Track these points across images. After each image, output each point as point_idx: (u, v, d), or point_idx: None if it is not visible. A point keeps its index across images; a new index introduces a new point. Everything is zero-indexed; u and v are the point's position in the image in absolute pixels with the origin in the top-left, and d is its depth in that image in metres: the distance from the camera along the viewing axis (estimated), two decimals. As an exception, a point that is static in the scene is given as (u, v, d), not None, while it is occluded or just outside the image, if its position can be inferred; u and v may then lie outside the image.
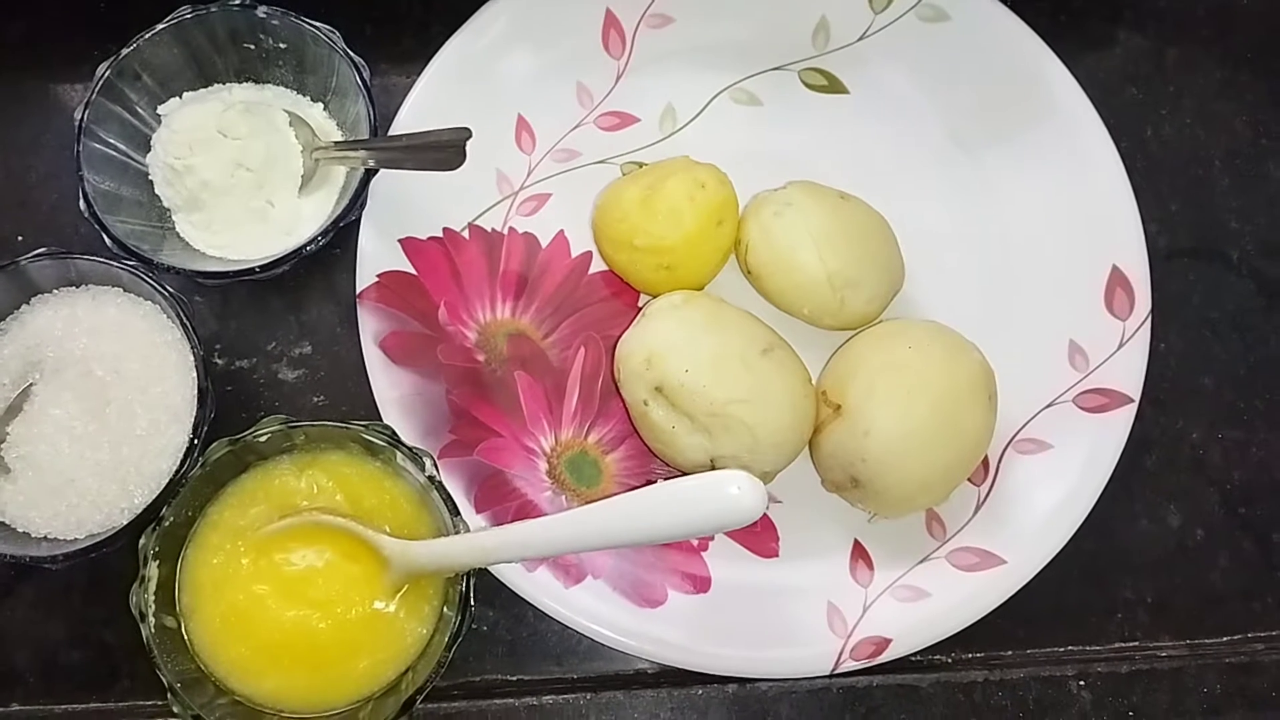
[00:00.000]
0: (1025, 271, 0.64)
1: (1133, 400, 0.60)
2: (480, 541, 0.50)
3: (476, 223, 0.63)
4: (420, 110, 0.62)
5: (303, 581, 0.52)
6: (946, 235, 0.64)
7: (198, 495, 0.52)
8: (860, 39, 0.67)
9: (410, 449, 0.52)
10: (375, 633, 0.52)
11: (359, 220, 0.60)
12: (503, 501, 0.59)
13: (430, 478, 0.51)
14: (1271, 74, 0.68)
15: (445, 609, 0.52)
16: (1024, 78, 0.65)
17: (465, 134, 0.55)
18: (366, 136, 0.57)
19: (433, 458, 0.53)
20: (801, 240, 0.59)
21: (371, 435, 0.52)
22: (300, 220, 0.59)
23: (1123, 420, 0.61)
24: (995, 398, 0.58)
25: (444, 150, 0.56)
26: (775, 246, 0.59)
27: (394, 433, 0.52)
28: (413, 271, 0.61)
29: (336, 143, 0.60)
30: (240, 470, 0.53)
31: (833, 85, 0.66)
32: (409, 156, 0.56)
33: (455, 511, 0.52)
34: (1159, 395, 0.63)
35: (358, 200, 0.57)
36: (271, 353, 0.62)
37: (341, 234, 0.59)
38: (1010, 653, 0.60)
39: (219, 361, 0.61)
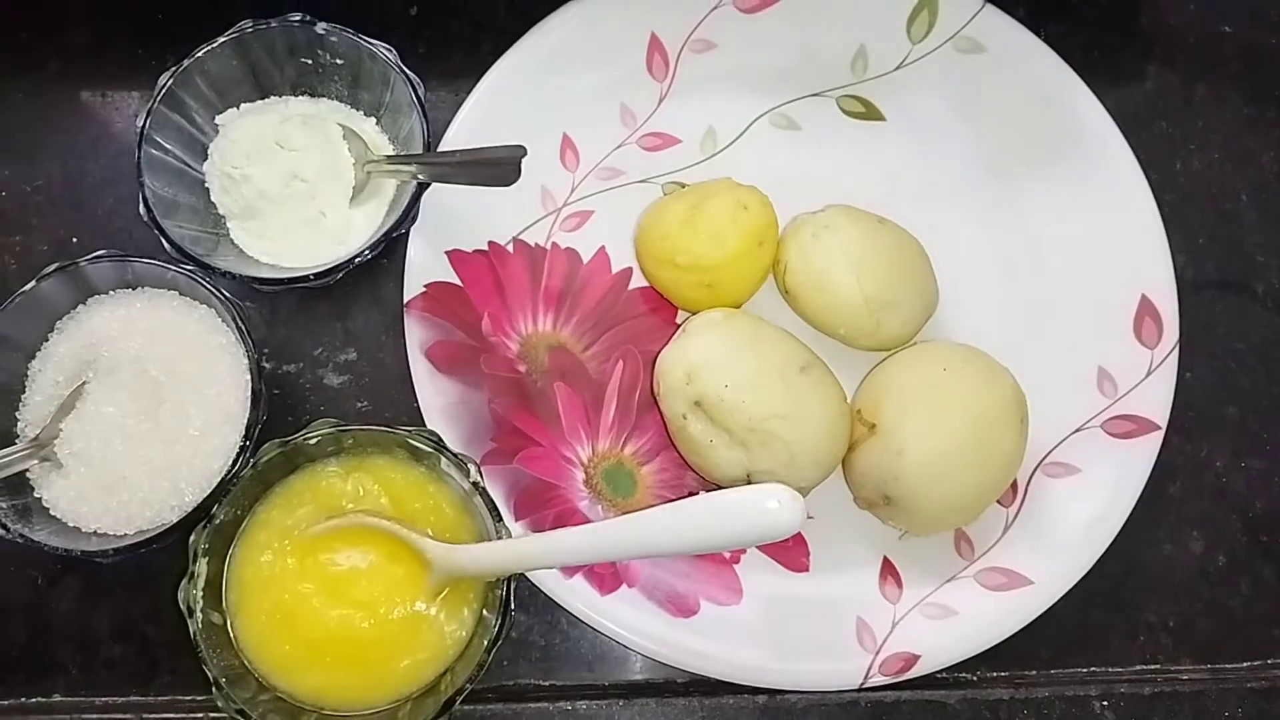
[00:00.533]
0: (1056, 298, 0.65)
1: (1160, 427, 0.62)
2: (522, 548, 0.52)
3: (520, 237, 0.65)
4: (470, 127, 0.64)
5: (347, 581, 0.53)
6: (980, 260, 0.66)
7: (247, 494, 0.53)
8: (898, 68, 0.68)
9: (455, 455, 0.54)
10: (416, 634, 0.53)
11: (407, 232, 0.62)
12: (541, 509, 0.61)
13: (474, 484, 0.53)
14: None
15: (485, 612, 0.53)
16: (1057, 109, 0.67)
17: (520, 152, 0.57)
18: (419, 151, 0.59)
19: (476, 464, 0.54)
20: (839, 263, 0.60)
21: (417, 440, 0.54)
22: (351, 230, 0.61)
23: (1150, 447, 0.62)
24: (1027, 421, 0.59)
25: (499, 167, 0.57)
26: (813, 268, 0.61)
27: (439, 438, 0.54)
28: (458, 283, 0.63)
29: (389, 156, 0.61)
30: (289, 471, 0.55)
31: (870, 112, 0.67)
32: (462, 172, 0.58)
33: (498, 518, 0.53)
34: (1184, 424, 0.64)
35: (410, 213, 0.59)
36: (318, 358, 0.64)
37: (389, 245, 0.60)
38: (1035, 672, 0.61)
39: (267, 365, 0.63)
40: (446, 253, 0.63)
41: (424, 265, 0.62)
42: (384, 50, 0.59)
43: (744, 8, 0.67)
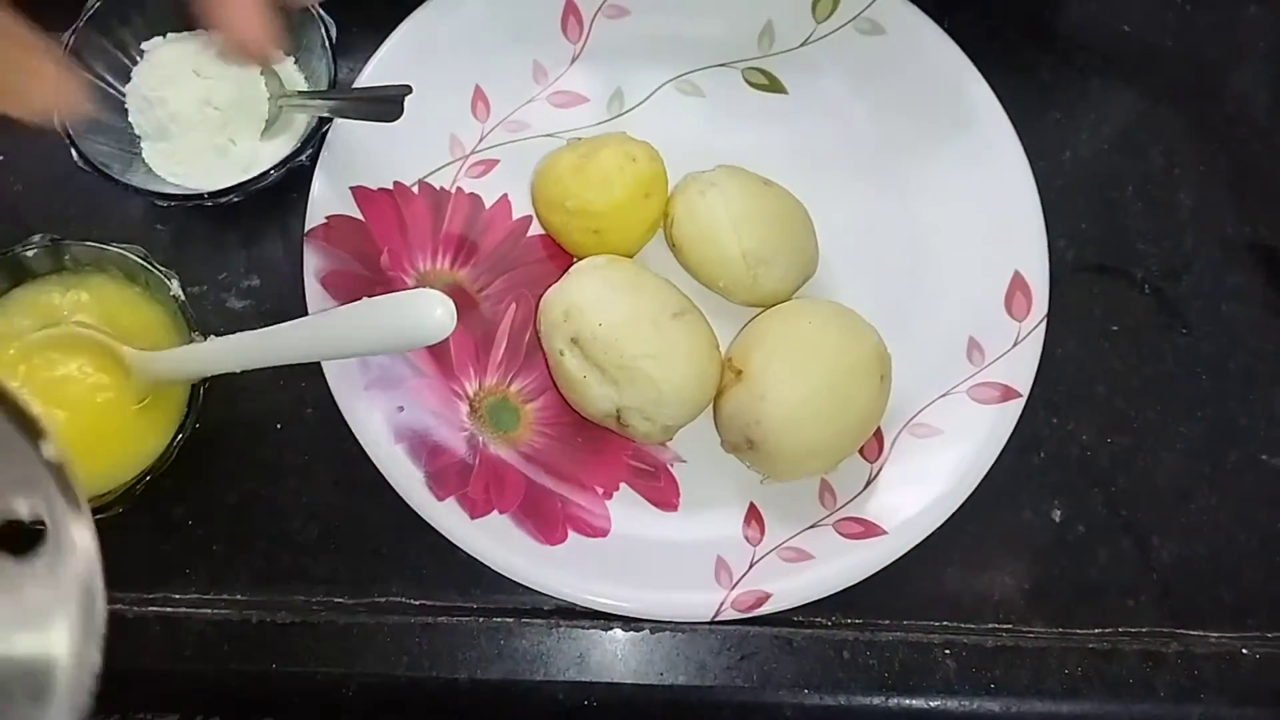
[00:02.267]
0: (934, 270, 0.68)
1: (1021, 395, 0.64)
2: (205, 350, 0.57)
3: (427, 180, 0.68)
4: (383, 72, 0.67)
5: (57, 386, 0.59)
6: (864, 230, 0.69)
7: None
8: (802, 44, 0.71)
9: (160, 270, 0.59)
10: (116, 437, 0.59)
11: (313, 166, 0.66)
12: (422, 437, 0.64)
13: (175, 297, 0.59)
14: (1189, 110, 0.72)
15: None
16: (949, 93, 0.70)
17: (405, 90, 0.60)
18: (324, 89, 0.63)
19: (180, 279, 0.60)
20: (721, 219, 0.63)
21: (130, 255, 0.59)
22: (258, 161, 0.64)
23: (1010, 413, 0.64)
24: (888, 379, 0.62)
25: (386, 104, 0.61)
26: (697, 222, 0.64)
27: (147, 255, 0.59)
28: (360, 218, 0.66)
29: (299, 92, 0.65)
30: (13, 285, 0.61)
31: (773, 85, 0.70)
32: (353, 107, 0.62)
33: (194, 329, 0.58)
34: (1053, 398, 0.67)
35: (309, 143, 0.63)
36: (221, 282, 0.67)
37: (299, 180, 0.64)
38: (888, 622, 0.64)
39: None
40: (351, 188, 0.66)
41: (327, 199, 0.65)
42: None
43: None
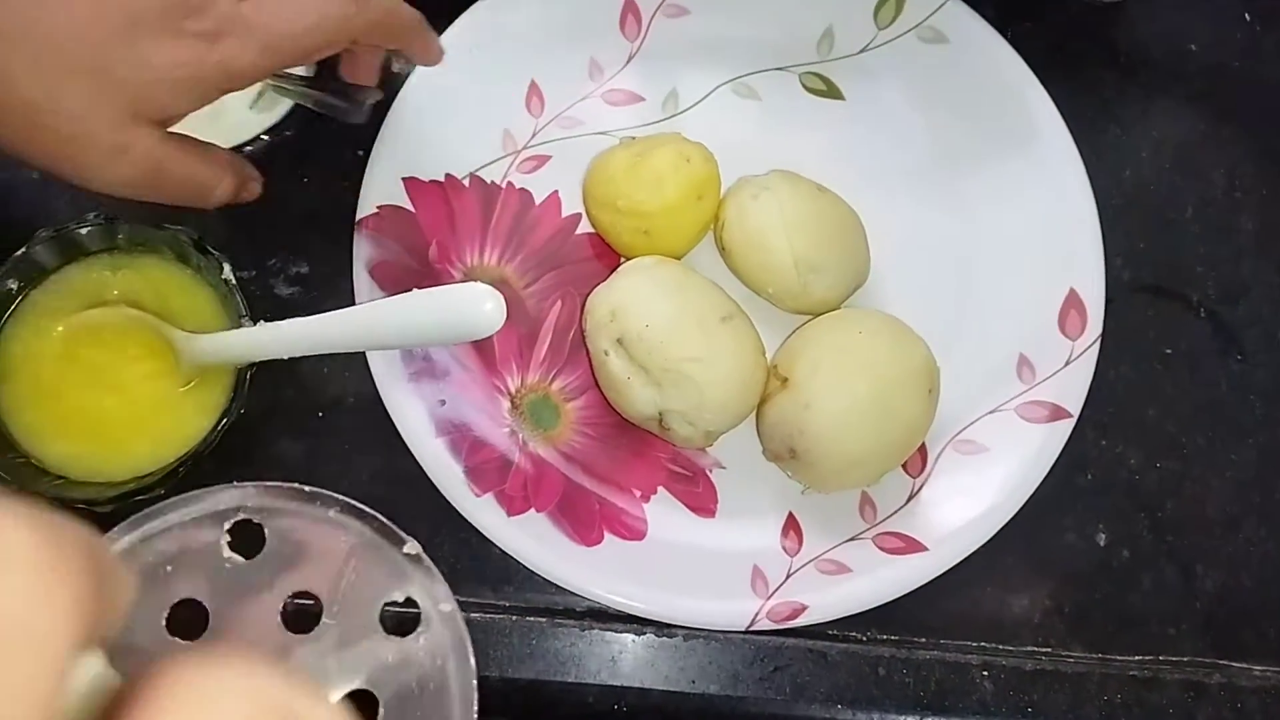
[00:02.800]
0: (987, 284, 0.67)
1: (1071, 415, 0.62)
2: (254, 334, 0.57)
3: (478, 173, 0.68)
4: (440, 66, 0.68)
5: (103, 366, 0.59)
6: (917, 240, 0.68)
7: (19, 275, 0.59)
8: (862, 51, 0.71)
9: (212, 253, 0.59)
10: (160, 419, 0.59)
11: (368, 155, 0.66)
12: (462, 432, 0.64)
13: (227, 280, 0.58)
14: (1252, 133, 0.71)
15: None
16: (1010, 104, 0.69)
17: (373, 95, 0.63)
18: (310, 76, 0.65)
19: (231, 264, 0.59)
20: (773, 223, 0.62)
21: (183, 236, 0.59)
22: (246, 129, 0.67)
23: (1059, 434, 0.63)
24: (936, 392, 0.61)
25: (351, 104, 0.64)
26: (748, 226, 0.63)
27: (199, 237, 0.59)
28: (411, 209, 0.66)
29: (288, 74, 0.65)
30: (65, 262, 0.61)
31: (830, 90, 0.70)
32: (319, 100, 0.65)
33: (244, 314, 0.58)
34: (1103, 419, 0.66)
35: (289, 119, 0.67)
36: (270, 268, 0.67)
37: (353, 169, 0.64)
38: (924, 639, 0.63)
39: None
40: (403, 179, 0.66)
41: (379, 188, 0.65)
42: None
43: None
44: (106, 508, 0.54)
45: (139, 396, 0.58)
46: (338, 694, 0.52)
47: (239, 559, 0.54)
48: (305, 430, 0.62)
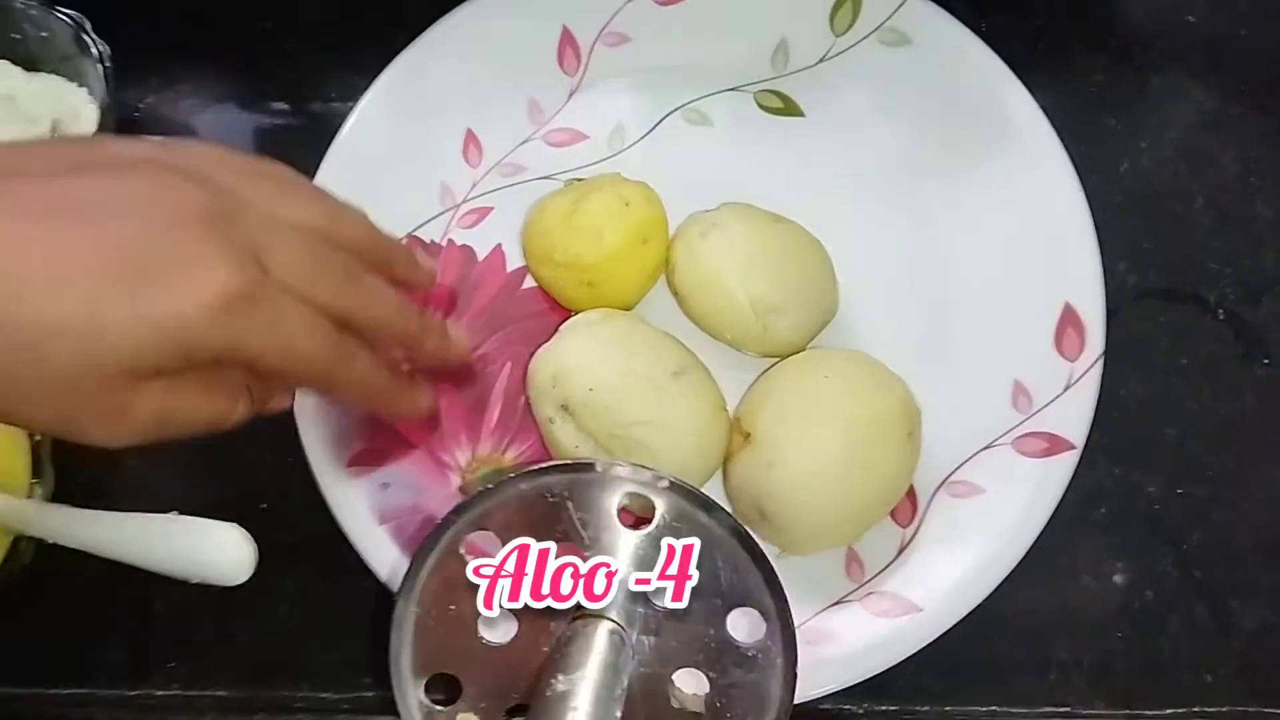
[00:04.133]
0: (972, 306, 0.62)
1: (1075, 447, 0.56)
2: (18, 509, 0.59)
3: (415, 233, 0.64)
4: (370, 119, 0.64)
5: None
6: (891, 264, 0.63)
7: None
8: (820, 61, 0.66)
9: None
10: None
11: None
12: (409, 515, 0.61)
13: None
14: (1264, 109, 0.64)
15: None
16: (986, 105, 0.63)
17: None
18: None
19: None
20: (725, 263, 0.57)
21: None
22: None
23: (1063, 468, 0.57)
24: (918, 435, 0.55)
25: None
26: (699, 268, 0.58)
27: None
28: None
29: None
30: None
31: (789, 108, 0.65)
32: None
33: (38, 474, 0.58)
34: (1115, 444, 0.60)
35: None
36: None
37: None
38: (927, 708, 0.58)
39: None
40: (333, 248, 0.63)
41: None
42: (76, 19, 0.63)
43: (661, 0, 0.64)
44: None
45: None
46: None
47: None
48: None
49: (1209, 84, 0.64)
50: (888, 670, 0.56)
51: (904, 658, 0.56)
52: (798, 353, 0.59)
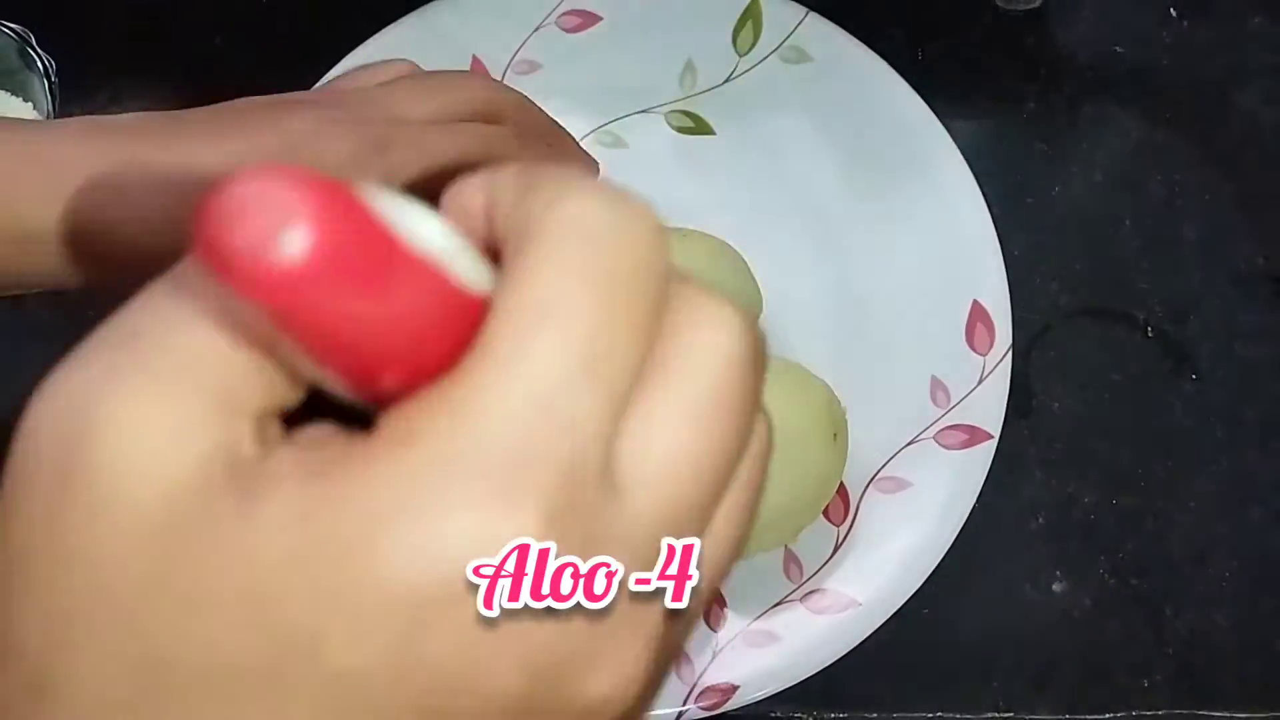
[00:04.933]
0: (887, 308, 0.74)
1: (993, 436, 0.72)
2: None
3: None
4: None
5: None
6: (808, 273, 0.76)
7: None
8: (726, 81, 0.80)
9: None
10: None
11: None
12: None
13: None
14: (1188, 134, 0.79)
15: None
16: (886, 115, 0.76)
17: None
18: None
19: None
20: None
21: None
22: None
23: (982, 457, 0.71)
24: (844, 435, 0.72)
25: None
26: None
27: None
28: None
29: None
30: None
31: (700, 127, 0.82)
32: None
33: None
34: (1051, 457, 0.71)
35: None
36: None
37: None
38: (874, 715, 0.61)
39: None
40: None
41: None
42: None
43: (567, 27, 0.80)
44: None
45: None
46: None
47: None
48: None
49: (1136, 112, 0.78)
50: (838, 676, 0.65)
51: (847, 650, 0.65)
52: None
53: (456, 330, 0.25)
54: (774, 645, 0.65)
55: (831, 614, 0.66)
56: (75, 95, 0.75)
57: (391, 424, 0.24)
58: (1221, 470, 0.71)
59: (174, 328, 0.25)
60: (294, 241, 0.21)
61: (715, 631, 0.66)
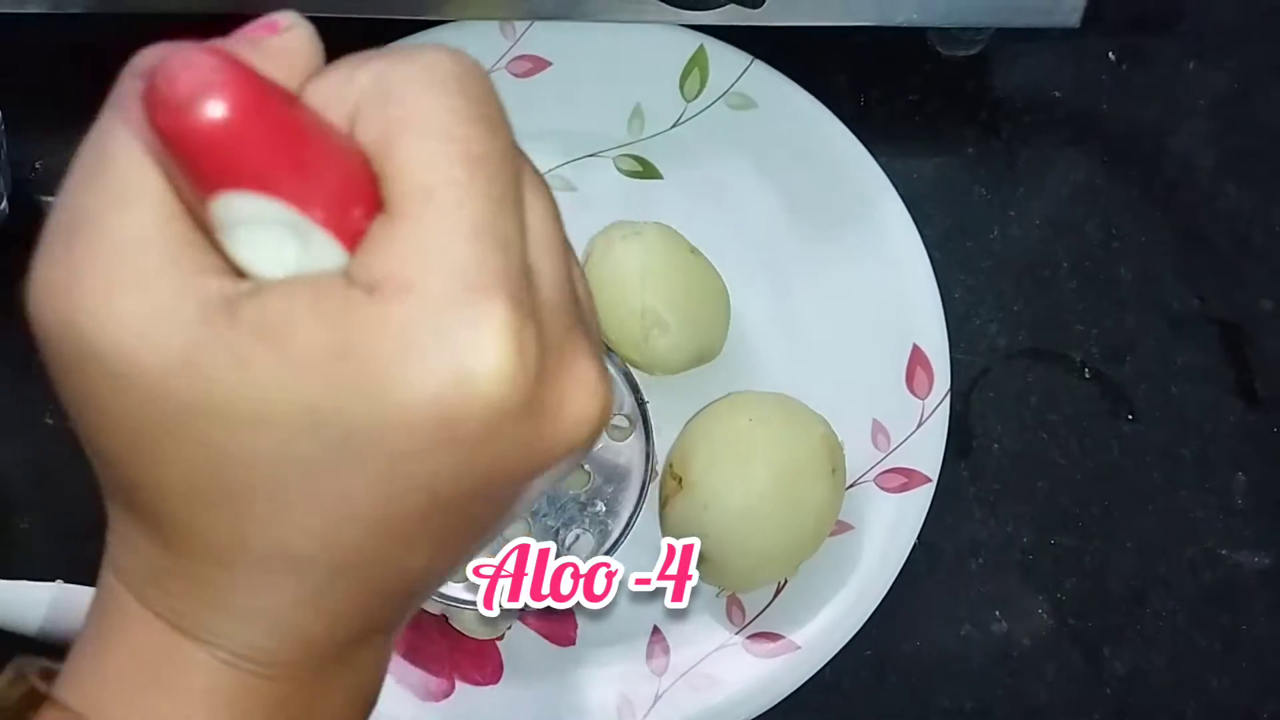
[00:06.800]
0: (830, 352, 0.75)
1: (930, 480, 0.73)
2: None
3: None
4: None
5: None
6: (752, 316, 0.77)
7: None
8: (674, 126, 0.82)
9: None
10: None
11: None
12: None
13: None
14: (1126, 178, 0.82)
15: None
16: (828, 161, 0.78)
17: None
18: None
19: None
20: (633, 266, 0.72)
21: None
22: None
23: (921, 500, 0.72)
24: (842, 470, 0.72)
25: None
26: (609, 264, 0.73)
27: None
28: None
29: None
30: None
31: (647, 171, 0.84)
32: None
33: None
34: (989, 497, 0.73)
35: None
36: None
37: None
38: (818, 757, 0.64)
39: None
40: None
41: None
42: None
43: (518, 72, 0.81)
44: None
45: None
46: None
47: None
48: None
49: (1074, 155, 0.80)
50: (784, 716, 0.66)
51: (789, 693, 0.67)
52: (672, 373, 0.72)
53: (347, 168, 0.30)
54: (716, 688, 0.67)
55: (773, 657, 0.68)
56: (26, 139, 0.72)
57: (385, 274, 0.29)
58: (1159, 510, 0.73)
59: (118, 208, 0.30)
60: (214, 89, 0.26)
61: (659, 676, 0.67)
